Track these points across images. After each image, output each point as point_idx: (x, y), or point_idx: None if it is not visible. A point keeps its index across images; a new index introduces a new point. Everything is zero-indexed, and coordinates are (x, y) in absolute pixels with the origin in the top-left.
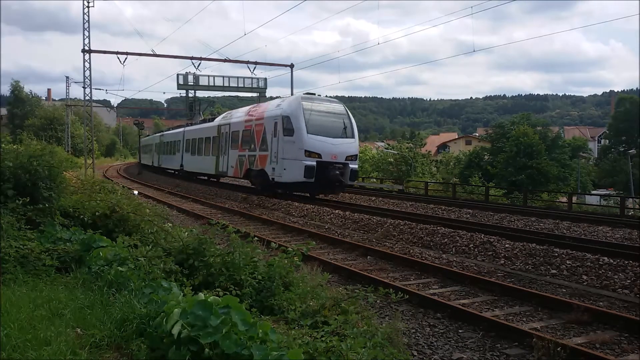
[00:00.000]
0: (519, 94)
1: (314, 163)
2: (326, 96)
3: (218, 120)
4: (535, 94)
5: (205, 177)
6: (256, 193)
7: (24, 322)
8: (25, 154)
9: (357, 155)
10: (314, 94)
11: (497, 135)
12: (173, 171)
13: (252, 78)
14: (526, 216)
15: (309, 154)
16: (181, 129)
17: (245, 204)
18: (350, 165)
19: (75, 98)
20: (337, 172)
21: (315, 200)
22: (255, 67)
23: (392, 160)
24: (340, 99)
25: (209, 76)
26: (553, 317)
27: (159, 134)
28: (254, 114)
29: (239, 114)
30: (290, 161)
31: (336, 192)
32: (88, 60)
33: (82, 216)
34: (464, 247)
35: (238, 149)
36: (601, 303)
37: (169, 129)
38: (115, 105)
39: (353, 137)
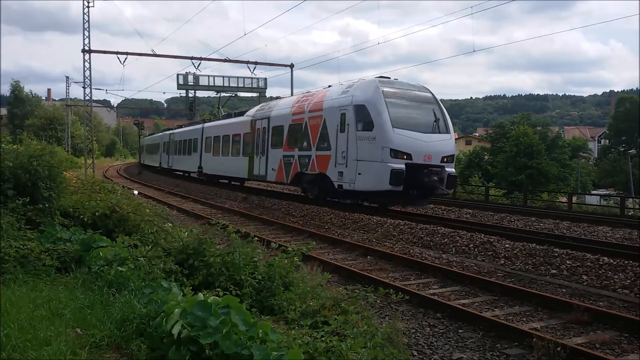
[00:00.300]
0: (519, 94)
1: (403, 166)
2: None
3: (251, 113)
4: (535, 94)
5: (226, 181)
6: (309, 202)
7: (24, 322)
8: (25, 154)
9: (454, 156)
10: (388, 78)
11: (497, 135)
12: (183, 173)
13: (252, 78)
14: (526, 216)
15: (396, 154)
16: (199, 125)
17: (245, 204)
18: (447, 169)
19: (75, 98)
20: (435, 177)
21: (315, 200)
22: (255, 67)
23: None
24: None
25: (209, 76)
26: (553, 317)
27: (169, 131)
28: (306, 104)
29: (282, 105)
30: (368, 164)
31: (421, 204)
32: (88, 60)
33: (82, 216)
34: (464, 247)
35: (283, 147)
36: (601, 303)
37: (180, 126)
38: (115, 105)
39: (448, 132)
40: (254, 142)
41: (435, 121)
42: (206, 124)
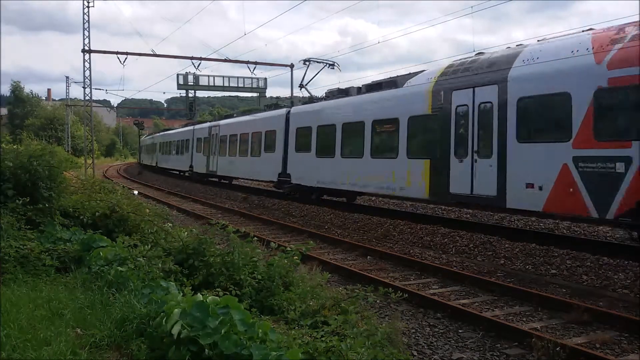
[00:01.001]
0: None
1: None
2: None
3: (420, 81)
4: None
5: (336, 198)
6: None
7: (24, 322)
8: (25, 154)
9: None
10: None
11: None
12: (228, 181)
13: (252, 78)
14: (526, 216)
15: None
16: (280, 111)
17: (245, 204)
18: None
19: (75, 98)
20: None
21: (315, 200)
22: (255, 67)
23: None
24: None
25: (208, 76)
26: (553, 317)
27: (206, 124)
28: None
29: (544, 54)
30: None
31: None
32: (88, 60)
33: (82, 216)
34: (464, 247)
35: (573, 140)
36: (601, 303)
37: (229, 115)
38: (115, 105)
39: None
40: (451, 133)
41: None
42: (295, 109)
